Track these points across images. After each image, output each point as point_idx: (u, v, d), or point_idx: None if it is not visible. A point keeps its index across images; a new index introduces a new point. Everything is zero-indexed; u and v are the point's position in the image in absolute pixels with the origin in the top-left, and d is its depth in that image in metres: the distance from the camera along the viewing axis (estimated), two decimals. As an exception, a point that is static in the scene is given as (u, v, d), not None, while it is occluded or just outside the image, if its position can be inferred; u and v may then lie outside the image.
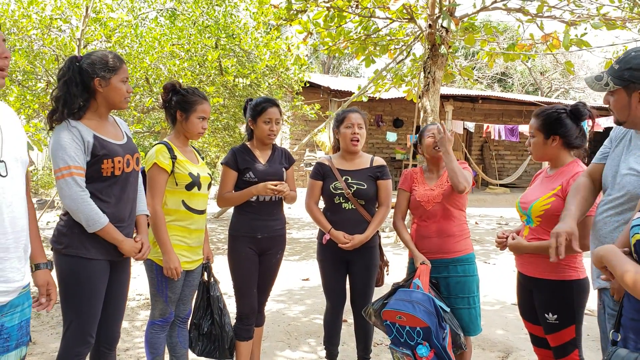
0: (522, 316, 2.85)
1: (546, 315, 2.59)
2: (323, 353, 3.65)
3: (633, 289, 1.53)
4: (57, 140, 2.39)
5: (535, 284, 2.64)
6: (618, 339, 1.68)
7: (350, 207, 3.32)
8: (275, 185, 3.10)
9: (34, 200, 14.19)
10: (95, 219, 2.40)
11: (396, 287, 3.08)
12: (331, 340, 3.53)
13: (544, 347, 2.74)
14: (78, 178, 2.38)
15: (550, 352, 2.68)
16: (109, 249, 2.51)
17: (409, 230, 3.33)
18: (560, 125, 2.59)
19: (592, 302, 2.46)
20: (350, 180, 3.32)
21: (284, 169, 3.33)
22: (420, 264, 3.06)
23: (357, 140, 3.33)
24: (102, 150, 2.45)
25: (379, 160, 3.46)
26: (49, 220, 10.79)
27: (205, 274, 3.21)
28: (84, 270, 2.44)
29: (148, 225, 2.85)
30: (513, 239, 2.68)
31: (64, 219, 2.47)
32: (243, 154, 3.26)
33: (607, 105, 2.20)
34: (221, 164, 3.31)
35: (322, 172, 3.41)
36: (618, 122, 2.17)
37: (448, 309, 3.01)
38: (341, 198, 3.32)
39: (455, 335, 2.95)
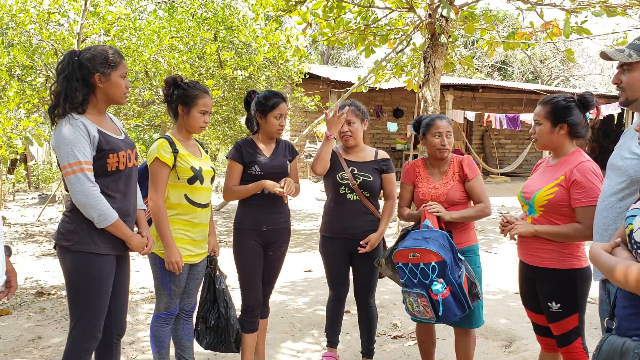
0: (525, 305, 2.85)
1: (549, 304, 2.59)
2: (326, 343, 3.68)
3: (625, 284, 1.55)
4: (63, 135, 2.37)
5: (538, 274, 2.64)
6: (612, 327, 1.70)
7: (355, 199, 3.33)
8: (282, 188, 3.09)
9: (35, 194, 14.21)
10: (108, 214, 2.41)
11: (406, 232, 3.02)
12: (332, 328, 3.59)
13: (547, 336, 2.75)
14: (89, 173, 2.38)
15: (553, 340, 2.70)
16: (117, 243, 2.53)
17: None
18: (569, 114, 2.58)
19: (594, 290, 2.47)
20: (356, 172, 3.33)
21: (288, 162, 3.33)
22: (424, 207, 3.01)
23: (349, 137, 3.35)
24: (108, 145, 2.46)
25: (383, 154, 3.46)
26: (52, 217, 10.80)
27: (211, 267, 3.21)
28: (95, 266, 2.45)
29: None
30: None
31: (70, 216, 2.47)
32: (248, 148, 3.26)
33: (614, 85, 2.16)
34: (226, 157, 3.32)
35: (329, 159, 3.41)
36: (626, 103, 2.12)
37: (463, 257, 2.96)
38: (346, 189, 3.33)
39: (472, 283, 2.89)
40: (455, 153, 3.31)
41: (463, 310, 2.80)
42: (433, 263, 2.75)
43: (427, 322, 3.00)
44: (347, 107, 3.32)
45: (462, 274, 2.84)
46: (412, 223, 3.16)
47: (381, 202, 3.48)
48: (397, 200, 3.41)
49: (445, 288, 2.74)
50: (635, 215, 1.64)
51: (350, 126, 3.35)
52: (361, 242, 3.27)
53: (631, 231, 1.63)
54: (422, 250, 2.77)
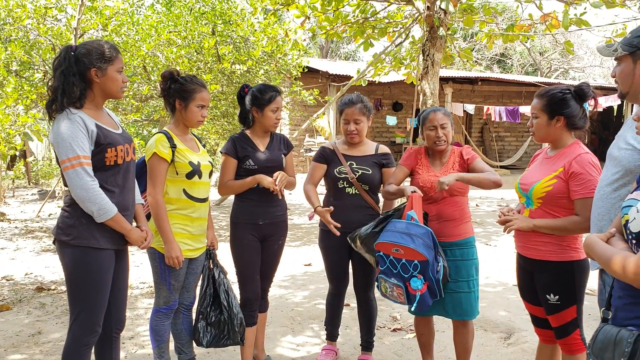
0: (523, 298, 2.85)
1: (547, 296, 2.60)
2: (325, 337, 3.69)
3: (623, 276, 1.55)
4: (61, 130, 2.37)
5: (535, 266, 2.64)
6: (609, 317, 1.70)
7: (353, 192, 3.33)
8: (275, 184, 3.11)
9: (35, 190, 14.21)
10: (107, 208, 2.41)
11: (386, 217, 3.02)
12: (332, 322, 3.60)
13: (545, 328, 2.75)
14: (87, 168, 2.38)
15: (551, 332, 2.70)
16: (116, 238, 2.53)
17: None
18: (565, 106, 2.56)
19: (592, 281, 2.47)
20: (355, 166, 3.32)
21: (283, 156, 3.33)
22: (412, 192, 2.97)
23: (355, 135, 3.34)
24: (106, 139, 2.46)
25: (384, 149, 3.45)
26: (52, 212, 10.81)
27: (210, 260, 3.20)
28: (94, 261, 2.46)
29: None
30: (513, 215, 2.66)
31: (69, 210, 2.47)
32: (242, 142, 3.25)
33: (613, 79, 2.19)
34: (221, 152, 3.31)
35: (325, 157, 3.41)
36: (621, 96, 2.15)
37: (454, 250, 3.02)
38: (345, 183, 3.32)
39: (445, 268, 2.95)
40: (455, 146, 3.30)
41: (435, 298, 2.86)
42: (416, 261, 2.78)
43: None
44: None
45: (441, 269, 2.88)
46: (394, 205, 3.16)
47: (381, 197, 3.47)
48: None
49: (424, 284, 2.78)
50: (631, 206, 1.63)
51: (357, 125, 3.34)
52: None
53: (627, 221, 1.63)
54: (406, 249, 2.79)
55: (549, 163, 2.64)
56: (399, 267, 2.83)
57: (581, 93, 2.58)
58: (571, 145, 2.60)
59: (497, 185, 2.96)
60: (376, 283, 3.01)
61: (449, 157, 3.17)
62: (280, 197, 3.27)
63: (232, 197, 3.36)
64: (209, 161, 3.10)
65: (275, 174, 3.14)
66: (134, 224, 2.70)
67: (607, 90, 14.95)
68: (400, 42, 8.90)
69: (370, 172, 3.32)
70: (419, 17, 7.77)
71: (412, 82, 9.12)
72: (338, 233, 3.21)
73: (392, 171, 3.39)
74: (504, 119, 13.47)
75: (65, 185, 2.44)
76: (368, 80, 10.03)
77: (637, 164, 2.02)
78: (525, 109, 13.05)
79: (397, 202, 3.39)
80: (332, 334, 3.63)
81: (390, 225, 2.95)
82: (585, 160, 2.49)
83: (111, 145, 2.48)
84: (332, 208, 3.26)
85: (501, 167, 15.66)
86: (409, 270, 2.80)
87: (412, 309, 2.86)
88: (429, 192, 3.10)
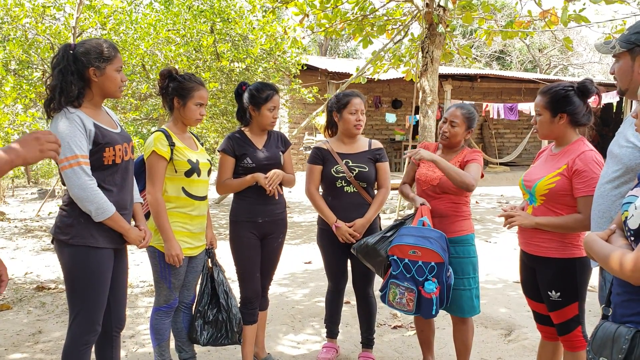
0: (525, 294, 2.85)
1: (549, 293, 2.59)
2: (326, 334, 3.68)
3: (620, 273, 1.55)
4: (59, 129, 2.36)
5: (538, 263, 2.64)
6: (609, 314, 1.70)
7: (352, 191, 3.32)
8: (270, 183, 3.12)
9: (34, 189, 14.21)
10: (105, 207, 2.41)
11: (398, 224, 3.04)
12: (332, 319, 3.60)
13: (547, 324, 2.75)
14: (85, 167, 2.37)
15: (553, 329, 2.70)
16: (114, 237, 2.52)
17: None
18: (568, 103, 2.54)
19: (593, 278, 2.47)
20: (351, 164, 3.31)
21: (280, 153, 3.32)
22: (420, 204, 3.02)
23: (360, 126, 3.35)
24: (104, 139, 2.45)
25: (377, 143, 3.45)
26: (51, 211, 10.80)
27: (209, 259, 3.20)
28: (93, 260, 2.45)
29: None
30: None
31: (67, 209, 2.46)
32: (239, 140, 3.24)
33: (612, 75, 2.19)
34: (218, 151, 3.31)
35: (321, 157, 3.40)
36: (621, 92, 2.15)
37: (457, 247, 3.06)
38: (343, 181, 3.32)
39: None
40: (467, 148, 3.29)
41: (442, 305, 2.88)
42: (432, 263, 2.79)
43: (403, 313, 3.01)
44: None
45: (451, 274, 2.90)
46: (403, 217, 3.17)
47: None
48: (390, 185, 3.41)
49: (437, 287, 2.79)
50: (631, 202, 1.63)
51: (363, 116, 3.36)
52: (347, 225, 3.26)
53: (626, 218, 1.62)
54: (424, 250, 2.80)
55: (553, 160, 2.62)
56: (413, 270, 2.83)
57: (584, 89, 2.56)
58: (575, 142, 2.58)
59: (466, 187, 2.95)
60: (381, 293, 3.00)
61: (455, 157, 3.15)
62: (277, 197, 3.26)
63: (231, 195, 3.35)
64: (208, 159, 3.10)
65: (269, 173, 3.14)
66: (133, 223, 2.69)
67: (606, 87, 14.93)
68: (400, 40, 8.89)
69: (367, 169, 3.32)
70: (418, 14, 7.77)
71: (411, 79, 9.13)
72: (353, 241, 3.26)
73: (385, 166, 3.42)
74: (503, 115, 13.47)
75: (64, 184, 2.44)
76: (367, 78, 10.02)
77: (638, 162, 2.01)
78: (524, 106, 13.04)
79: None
80: (332, 332, 3.63)
81: (403, 230, 2.97)
82: (589, 157, 2.48)
83: (109, 144, 2.47)
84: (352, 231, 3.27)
85: (501, 164, 15.65)
86: (425, 273, 2.80)
87: (421, 313, 2.85)
88: (422, 186, 3.14)
